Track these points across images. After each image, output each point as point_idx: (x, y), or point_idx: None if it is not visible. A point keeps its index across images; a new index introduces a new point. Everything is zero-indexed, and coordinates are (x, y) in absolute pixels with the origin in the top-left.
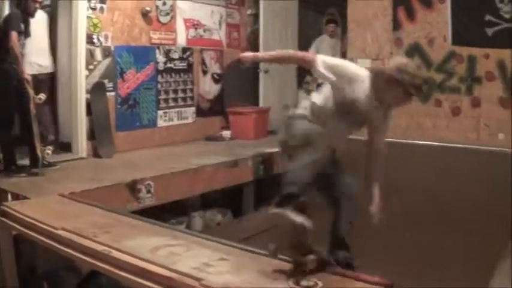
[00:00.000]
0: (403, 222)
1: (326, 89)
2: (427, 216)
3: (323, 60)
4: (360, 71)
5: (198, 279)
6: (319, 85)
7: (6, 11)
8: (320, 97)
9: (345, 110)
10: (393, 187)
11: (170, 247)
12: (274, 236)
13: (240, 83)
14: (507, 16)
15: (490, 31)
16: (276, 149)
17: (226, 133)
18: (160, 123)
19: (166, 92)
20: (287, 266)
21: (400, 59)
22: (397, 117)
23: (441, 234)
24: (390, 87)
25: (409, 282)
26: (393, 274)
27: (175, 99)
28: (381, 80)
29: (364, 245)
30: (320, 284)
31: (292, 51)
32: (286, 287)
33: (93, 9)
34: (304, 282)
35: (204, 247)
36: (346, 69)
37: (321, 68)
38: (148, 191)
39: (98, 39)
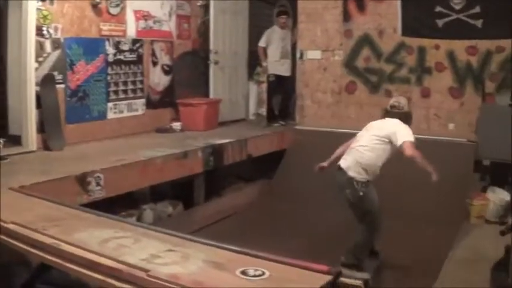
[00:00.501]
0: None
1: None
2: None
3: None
4: None
5: (145, 271)
6: (268, 76)
7: None
8: (373, 156)
9: None
10: None
11: (119, 239)
12: (224, 227)
13: (191, 74)
14: (457, 7)
15: (440, 22)
16: (226, 140)
17: (177, 125)
18: (111, 115)
19: (116, 84)
20: (235, 256)
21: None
22: (347, 108)
23: (393, 221)
24: None
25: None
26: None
27: (125, 91)
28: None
29: (311, 232)
30: (267, 272)
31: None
32: (233, 277)
33: (43, 0)
34: (251, 271)
35: (153, 239)
36: None
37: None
38: (98, 184)
39: (48, 31)
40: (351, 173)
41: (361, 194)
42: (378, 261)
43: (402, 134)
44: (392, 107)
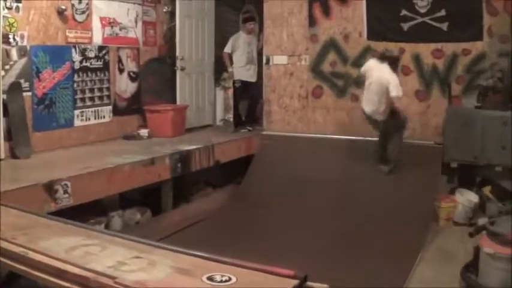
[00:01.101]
0: (323, 213)
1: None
2: (345, 208)
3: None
4: None
5: (112, 278)
6: (234, 82)
7: None
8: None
9: None
10: (310, 181)
11: (85, 247)
12: (193, 234)
13: (157, 80)
14: (422, 11)
15: (405, 26)
16: (194, 147)
17: (144, 131)
18: (77, 122)
19: (83, 91)
20: (201, 263)
21: None
22: (314, 112)
23: (360, 223)
24: None
25: (333, 274)
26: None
27: (92, 99)
28: None
29: (280, 238)
30: (234, 278)
31: None
32: (200, 283)
33: (9, 8)
34: (218, 277)
35: (119, 246)
36: None
37: None
38: (66, 191)
39: (14, 39)
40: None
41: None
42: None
43: (391, 86)
44: (385, 51)
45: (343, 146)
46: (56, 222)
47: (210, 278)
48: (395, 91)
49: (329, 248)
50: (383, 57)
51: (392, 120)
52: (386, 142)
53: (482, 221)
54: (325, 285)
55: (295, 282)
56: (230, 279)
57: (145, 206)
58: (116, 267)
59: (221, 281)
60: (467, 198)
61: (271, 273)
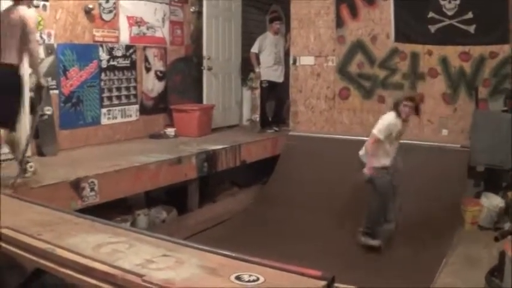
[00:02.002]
0: (349, 216)
1: None
2: None
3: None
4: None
5: (140, 276)
6: (261, 82)
7: None
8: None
9: None
10: (335, 183)
11: (113, 244)
12: (218, 233)
13: (184, 80)
14: (450, 13)
15: (433, 28)
16: (220, 146)
17: (170, 131)
18: (104, 121)
19: (110, 90)
20: (228, 262)
21: None
22: (340, 114)
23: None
24: None
25: (359, 277)
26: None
27: (118, 97)
28: None
29: (305, 238)
30: (262, 278)
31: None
32: (227, 282)
33: (36, 6)
34: (245, 277)
35: (147, 244)
36: None
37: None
38: (92, 189)
39: (41, 37)
40: None
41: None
42: (390, 226)
43: (377, 125)
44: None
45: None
46: (83, 220)
47: (238, 278)
48: (376, 128)
49: (353, 251)
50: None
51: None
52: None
53: (508, 225)
54: (352, 287)
55: (323, 283)
56: (258, 279)
57: (171, 205)
58: (144, 265)
59: (249, 281)
60: (492, 202)
61: (299, 273)
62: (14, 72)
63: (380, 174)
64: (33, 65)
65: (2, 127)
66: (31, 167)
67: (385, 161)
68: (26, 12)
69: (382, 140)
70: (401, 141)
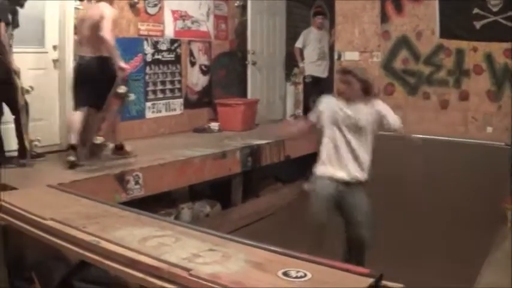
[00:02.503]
0: (392, 213)
1: None
2: (415, 208)
3: None
4: None
5: (187, 270)
6: (305, 77)
7: None
8: None
9: None
10: (382, 180)
11: (159, 238)
12: (261, 228)
13: (228, 74)
14: (495, 9)
15: (478, 24)
16: (264, 141)
17: (214, 125)
18: (149, 114)
19: (155, 84)
20: (275, 257)
21: None
22: None
23: (428, 224)
24: None
25: (403, 274)
26: (385, 265)
27: (163, 91)
28: None
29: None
30: (309, 274)
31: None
32: (275, 278)
33: (81, 0)
34: (293, 273)
35: (193, 238)
36: None
37: None
38: (137, 182)
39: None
40: None
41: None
42: None
43: None
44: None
45: (413, 144)
46: (128, 213)
47: (285, 273)
48: None
49: (397, 248)
50: None
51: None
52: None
53: None
54: (401, 285)
55: (371, 280)
56: (305, 275)
57: (215, 199)
58: (190, 259)
59: (296, 277)
60: None
61: (346, 270)
62: (102, 61)
63: (315, 187)
64: (109, 49)
65: (94, 108)
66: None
67: (329, 169)
68: (105, 8)
69: (314, 122)
70: (445, 137)
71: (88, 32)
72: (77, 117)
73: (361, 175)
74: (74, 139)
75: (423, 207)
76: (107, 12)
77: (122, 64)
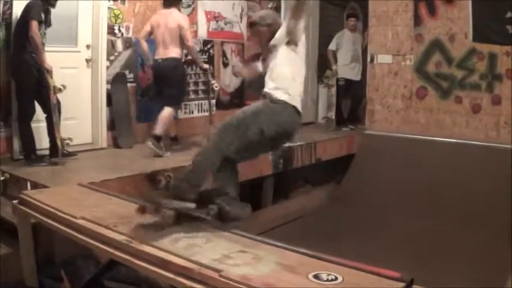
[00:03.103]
0: (419, 216)
1: None
2: (446, 212)
3: None
4: None
5: (217, 271)
6: (338, 80)
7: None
8: None
9: None
10: (409, 183)
11: (189, 238)
12: (291, 230)
13: (260, 76)
14: None
15: (511, 28)
16: (296, 143)
17: None
18: (181, 115)
19: (187, 85)
20: (306, 260)
21: None
22: (417, 113)
23: (457, 229)
24: None
25: (428, 277)
26: (409, 267)
27: (195, 92)
28: None
29: (379, 238)
30: (340, 278)
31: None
32: (306, 281)
33: (115, 0)
34: (324, 276)
35: (223, 239)
36: None
37: None
38: (169, 182)
39: (119, 30)
40: None
41: None
42: None
43: None
44: None
45: (444, 148)
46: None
47: (316, 276)
48: None
49: (424, 253)
50: None
51: None
52: None
53: None
54: None
55: (402, 285)
56: (336, 278)
57: (245, 200)
58: (221, 260)
59: (327, 280)
60: None
61: (377, 274)
62: (179, 63)
63: None
64: (194, 55)
65: (172, 107)
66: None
67: None
68: (180, 17)
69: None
70: (477, 142)
71: (167, 37)
72: (171, 112)
73: None
74: (160, 131)
75: (450, 210)
76: (184, 22)
77: (204, 65)
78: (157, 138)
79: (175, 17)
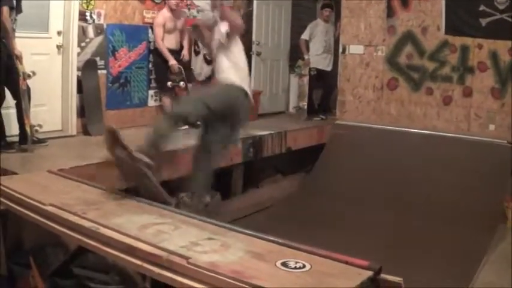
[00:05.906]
0: (389, 208)
1: None
2: (415, 203)
3: None
4: None
5: (186, 258)
6: (310, 70)
7: None
8: None
9: None
10: (379, 174)
11: (158, 225)
12: (261, 219)
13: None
14: (501, 7)
15: (483, 21)
16: (266, 132)
17: None
18: (151, 102)
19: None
20: (274, 248)
21: None
22: (388, 105)
23: (427, 221)
24: None
25: (401, 271)
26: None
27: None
28: None
29: (349, 228)
30: (308, 265)
31: None
32: (273, 268)
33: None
34: (292, 263)
35: (192, 226)
36: None
37: None
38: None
39: (91, 17)
40: None
41: None
42: None
43: None
44: None
45: (415, 140)
46: (128, 200)
47: (284, 264)
48: None
49: (392, 244)
50: None
51: None
52: None
53: None
54: (399, 279)
55: (370, 273)
56: (304, 266)
57: (215, 189)
58: (189, 247)
59: (295, 268)
60: None
61: (346, 262)
62: None
63: None
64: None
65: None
66: None
67: None
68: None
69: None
70: (447, 134)
71: None
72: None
73: None
74: None
75: (421, 204)
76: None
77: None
78: None
79: None
